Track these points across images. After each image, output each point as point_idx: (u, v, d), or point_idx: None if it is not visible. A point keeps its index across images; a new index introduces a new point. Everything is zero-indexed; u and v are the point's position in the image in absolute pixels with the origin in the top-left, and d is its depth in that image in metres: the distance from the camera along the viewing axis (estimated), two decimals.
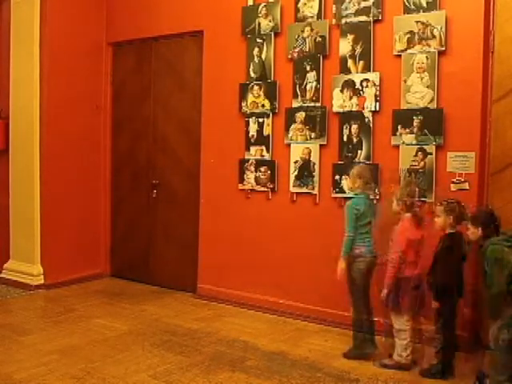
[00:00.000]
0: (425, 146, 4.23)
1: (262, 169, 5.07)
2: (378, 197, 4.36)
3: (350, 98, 4.58)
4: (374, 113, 4.48)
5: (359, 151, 4.55)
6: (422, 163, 4.25)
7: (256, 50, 5.09)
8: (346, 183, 4.48)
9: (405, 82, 4.32)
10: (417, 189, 3.94)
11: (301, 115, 4.83)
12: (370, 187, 4.14)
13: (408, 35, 4.29)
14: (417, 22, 4.25)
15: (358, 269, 3.88)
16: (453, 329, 3.64)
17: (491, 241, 3.38)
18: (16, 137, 5.87)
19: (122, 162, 6.27)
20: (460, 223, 3.61)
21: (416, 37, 4.26)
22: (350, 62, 4.58)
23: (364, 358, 3.90)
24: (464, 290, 3.69)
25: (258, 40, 5.08)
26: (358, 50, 4.53)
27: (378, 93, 4.45)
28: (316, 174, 4.76)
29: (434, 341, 3.70)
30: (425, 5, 4.23)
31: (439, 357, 3.64)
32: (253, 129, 5.13)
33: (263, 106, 5.07)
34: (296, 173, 4.86)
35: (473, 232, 3.47)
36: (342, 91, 4.62)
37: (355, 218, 3.88)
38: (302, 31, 4.81)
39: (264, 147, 5.07)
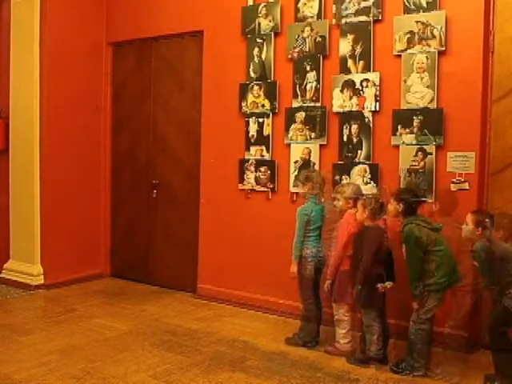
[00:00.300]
0: (425, 146, 4.23)
1: (262, 169, 5.07)
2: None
3: (350, 97, 4.58)
4: (374, 113, 4.48)
5: (359, 151, 4.55)
6: (422, 163, 4.25)
7: (256, 50, 5.09)
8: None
9: (405, 82, 4.32)
10: (360, 187, 4.18)
11: (301, 115, 4.83)
12: (321, 191, 4.25)
13: (408, 35, 4.29)
14: (417, 22, 4.25)
15: (308, 269, 4.12)
16: (380, 317, 3.83)
17: (408, 219, 3.66)
18: (16, 137, 5.87)
19: (121, 162, 6.27)
20: (378, 217, 3.82)
21: (416, 37, 4.26)
22: (349, 62, 4.58)
23: (306, 347, 4.13)
24: (394, 276, 3.84)
25: (258, 40, 5.08)
26: (358, 50, 4.53)
27: (377, 93, 4.45)
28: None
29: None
30: (425, 5, 4.23)
31: (370, 346, 3.83)
32: (253, 129, 5.13)
33: (263, 105, 5.07)
34: (296, 173, 4.86)
35: (395, 207, 3.72)
36: (342, 91, 4.62)
37: (305, 222, 4.13)
38: (302, 31, 4.81)
39: (264, 147, 5.07)
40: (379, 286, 3.76)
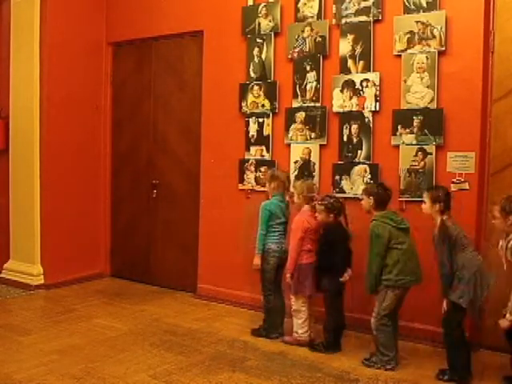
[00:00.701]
0: (425, 146, 4.23)
1: (262, 169, 5.06)
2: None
3: (350, 97, 4.58)
4: (374, 113, 4.48)
5: (359, 151, 4.55)
6: (422, 163, 4.25)
7: (256, 50, 5.09)
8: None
9: (405, 81, 4.32)
10: (314, 184, 4.45)
11: (301, 115, 4.83)
12: (284, 189, 4.41)
13: (408, 35, 4.29)
14: (417, 22, 4.25)
15: (269, 263, 4.34)
16: (338, 308, 4.07)
17: (375, 216, 3.83)
18: (16, 137, 5.87)
19: (122, 162, 6.27)
20: (339, 216, 4.07)
21: (416, 37, 4.26)
22: (350, 62, 4.58)
23: (269, 338, 4.33)
24: (350, 269, 4.07)
25: (258, 40, 5.08)
26: (358, 49, 4.53)
27: (378, 93, 4.45)
28: (316, 174, 4.76)
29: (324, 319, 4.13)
30: (425, 5, 4.23)
31: (326, 336, 4.08)
32: (253, 129, 5.13)
33: (263, 106, 5.07)
34: (296, 173, 4.86)
35: (366, 201, 3.87)
36: (342, 91, 4.62)
37: (267, 218, 4.32)
38: (302, 31, 4.81)
39: (264, 147, 5.07)
40: (342, 278, 4.01)
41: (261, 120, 5.08)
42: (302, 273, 4.12)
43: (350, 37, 4.56)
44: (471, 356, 3.64)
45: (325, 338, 4.10)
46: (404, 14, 4.32)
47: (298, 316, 4.19)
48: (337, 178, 4.64)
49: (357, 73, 4.55)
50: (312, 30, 4.76)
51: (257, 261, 4.35)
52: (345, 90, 4.61)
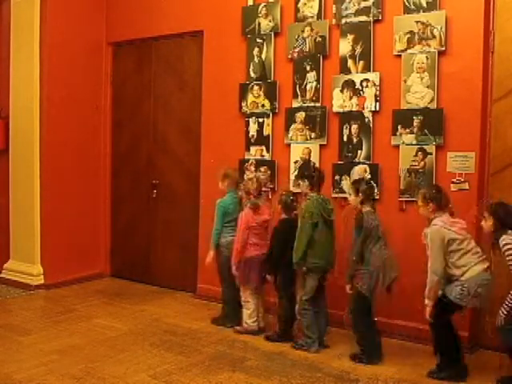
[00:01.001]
0: (425, 146, 4.23)
1: (262, 169, 5.06)
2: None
3: (350, 97, 4.58)
4: (374, 113, 4.48)
5: (359, 151, 4.55)
6: (422, 163, 4.25)
7: (256, 50, 5.09)
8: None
9: (405, 81, 4.32)
10: (260, 182, 4.57)
11: (301, 115, 4.83)
12: (238, 186, 4.66)
13: (408, 35, 4.29)
14: (417, 22, 4.25)
15: (224, 256, 4.55)
16: (289, 299, 4.21)
17: (308, 196, 4.11)
18: (16, 137, 5.87)
19: (121, 162, 6.27)
20: (292, 212, 4.25)
21: (416, 37, 4.26)
22: (350, 62, 4.58)
23: (227, 327, 4.56)
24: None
25: (258, 40, 5.07)
26: (358, 49, 4.53)
27: (378, 93, 4.45)
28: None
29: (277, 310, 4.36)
30: (425, 5, 4.23)
31: (279, 325, 4.29)
32: (253, 129, 5.13)
33: (263, 106, 5.07)
34: (296, 173, 4.86)
35: (302, 185, 4.18)
36: (342, 91, 4.62)
37: (222, 214, 4.56)
38: (302, 31, 4.81)
39: (264, 147, 5.07)
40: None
41: (261, 120, 5.08)
42: (248, 265, 4.33)
43: (350, 37, 4.56)
44: (381, 340, 3.96)
45: (279, 327, 4.31)
46: (404, 13, 4.32)
47: (247, 306, 4.43)
48: (337, 178, 4.64)
49: (357, 73, 4.55)
50: (312, 29, 4.76)
51: (210, 255, 4.59)
52: (345, 90, 4.61)
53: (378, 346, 3.94)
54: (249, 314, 4.43)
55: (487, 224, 3.51)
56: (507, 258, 3.38)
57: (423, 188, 3.83)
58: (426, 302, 3.59)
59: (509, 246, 3.36)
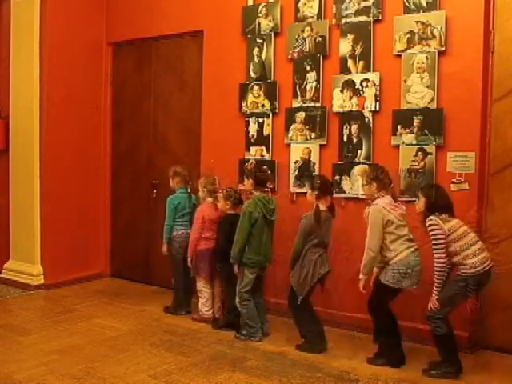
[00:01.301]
0: (425, 146, 4.23)
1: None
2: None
3: (350, 98, 4.58)
4: (374, 113, 4.48)
5: (359, 151, 4.55)
6: (422, 163, 4.25)
7: (256, 50, 5.09)
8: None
9: (405, 82, 4.31)
10: (216, 179, 4.79)
11: (301, 115, 4.83)
12: (187, 183, 5.02)
13: (408, 35, 4.29)
14: (417, 22, 4.25)
15: (175, 248, 4.93)
16: (233, 288, 4.40)
17: (252, 196, 4.34)
18: (16, 136, 5.87)
19: (121, 162, 6.27)
20: (237, 207, 4.48)
21: (416, 37, 4.26)
22: (349, 62, 4.58)
23: (177, 315, 4.88)
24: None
25: (258, 40, 5.07)
26: (358, 49, 4.53)
27: (377, 93, 4.45)
28: (316, 174, 4.75)
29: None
30: (425, 5, 4.22)
31: (225, 314, 4.57)
32: (253, 129, 5.13)
33: (263, 106, 5.07)
34: (296, 173, 4.86)
35: (246, 183, 4.49)
36: (342, 91, 4.62)
37: (172, 210, 4.91)
38: (302, 31, 4.80)
39: (264, 147, 5.07)
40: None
41: (261, 120, 5.08)
42: (199, 257, 4.66)
43: (350, 37, 4.56)
44: (322, 328, 4.14)
45: (225, 316, 4.60)
46: (404, 13, 4.32)
47: (201, 296, 4.73)
48: (337, 177, 4.64)
49: (357, 73, 4.55)
50: (312, 29, 4.76)
51: (164, 248, 4.99)
52: (345, 90, 4.61)
53: (321, 334, 4.13)
54: (203, 302, 4.72)
55: (419, 204, 3.72)
56: (431, 238, 3.57)
57: (368, 169, 4.04)
58: (361, 276, 3.81)
59: (433, 227, 3.55)
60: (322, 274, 4.04)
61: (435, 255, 3.55)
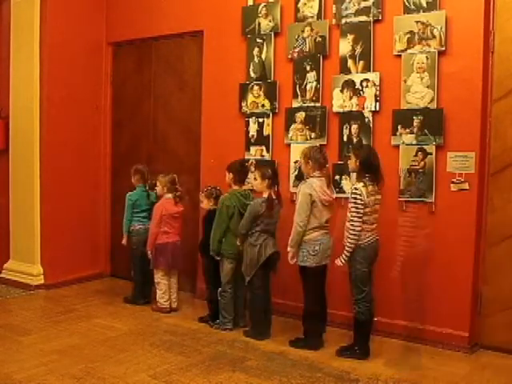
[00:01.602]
0: (425, 146, 4.23)
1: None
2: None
3: (350, 98, 4.58)
4: (374, 113, 4.48)
5: None
6: (422, 163, 4.25)
7: (256, 50, 5.09)
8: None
9: (405, 82, 4.31)
10: (176, 178, 5.03)
11: (301, 115, 4.83)
12: (145, 181, 5.30)
13: (408, 35, 4.29)
14: (417, 22, 4.25)
15: (134, 242, 5.21)
16: (214, 283, 4.62)
17: (231, 190, 4.55)
18: (16, 137, 5.87)
19: (121, 162, 6.26)
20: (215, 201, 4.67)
21: (416, 37, 4.26)
22: (349, 62, 4.58)
23: (137, 304, 5.17)
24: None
25: (258, 40, 5.07)
26: (358, 49, 4.53)
27: (377, 93, 4.45)
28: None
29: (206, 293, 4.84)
30: (425, 5, 4.22)
31: (209, 306, 4.71)
32: (253, 129, 5.13)
33: (263, 106, 5.07)
34: (296, 173, 4.86)
35: (228, 177, 4.57)
36: (342, 91, 4.62)
37: (130, 205, 5.22)
38: (302, 31, 4.80)
39: (264, 147, 5.07)
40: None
41: (261, 120, 5.08)
42: (158, 251, 4.91)
43: (350, 37, 4.56)
44: (270, 316, 4.44)
45: (209, 308, 4.75)
46: (404, 14, 4.32)
47: (159, 287, 4.97)
48: (337, 177, 4.64)
49: (357, 73, 4.55)
50: (312, 29, 4.76)
51: (124, 240, 5.29)
52: (345, 90, 4.60)
53: (267, 323, 4.39)
54: (161, 294, 4.96)
55: (351, 164, 3.98)
56: (351, 205, 3.82)
57: (306, 148, 4.21)
58: (288, 249, 4.10)
59: (355, 196, 3.80)
60: (268, 256, 4.27)
61: (352, 222, 3.80)
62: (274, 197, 4.27)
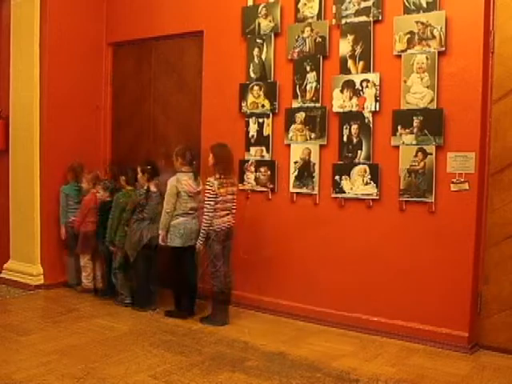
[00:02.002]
0: (425, 147, 4.23)
1: (262, 169, 5.07)
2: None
3: (350, 98, 4.58)
4: (374, 113, 4.48)
5: (359, 151, 4.55)
6: (422, 163, 4.25)
7: (256, 50, 5.09)
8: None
9: (405, 82, 4.31)
10: (99, 174, 5.69)
11: (301, 115, 4.83)
12: (79, 179, 5.72)
13: (408, 35, 4.29)
14: (417, 22, 4.25)
15: (69, 232, 5.67)
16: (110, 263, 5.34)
17: (128, 188, 5.29)
18: (16, 137, 5.87)
19: (122, 162, 6.25)
20: (114, 195, 5.36)
21: (416, 37, 4.26)
22: (350, 63, 4.58)
23: (74, 288, 5.69)
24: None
25: (258, 40, 5.08)
26: (358, 50, 4.53)
27: (377, 93, 4.45)
28: (316, 174, 4.76)
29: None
30: (425, 5, 4.22)
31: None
32: (253, 129, 5.13)
33: (263, 106, 5.07)
34: (296, 173, 4.86)
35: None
36: (342, 91, 4.62)
37: (63, 197, 5.68)
38: (302, 31, 4.81)
39: (264, 147, 5.07)
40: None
41: (261, 120, 5.08)
42: (85, 238, 5.51)
43: (350, 37, 4.56)
44: (151, 290, 5.13)
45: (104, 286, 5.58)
46: (404, 14, 4.32)
47: (84, 271, 5.59)
48: (337, 178, 4.64)
49: (357, 73, 4.55)
50: (312, 30, 4.76)
51: (62, 230, 5.70)
52: (345, 91, 4.61)
53: (150, 294, 5.11)
54: (85, 276, 5.58)
55: (209, 160, 4.61)
56: (205, 197, 4.52)
57: (178, 147, 4.90)
58: (160, 232, 4.77)
59: (208, 188, 4.49)
60: (149, 240, 4.96)
61: (205, 211, 4.50)
62: (153, 189, 5.01)
